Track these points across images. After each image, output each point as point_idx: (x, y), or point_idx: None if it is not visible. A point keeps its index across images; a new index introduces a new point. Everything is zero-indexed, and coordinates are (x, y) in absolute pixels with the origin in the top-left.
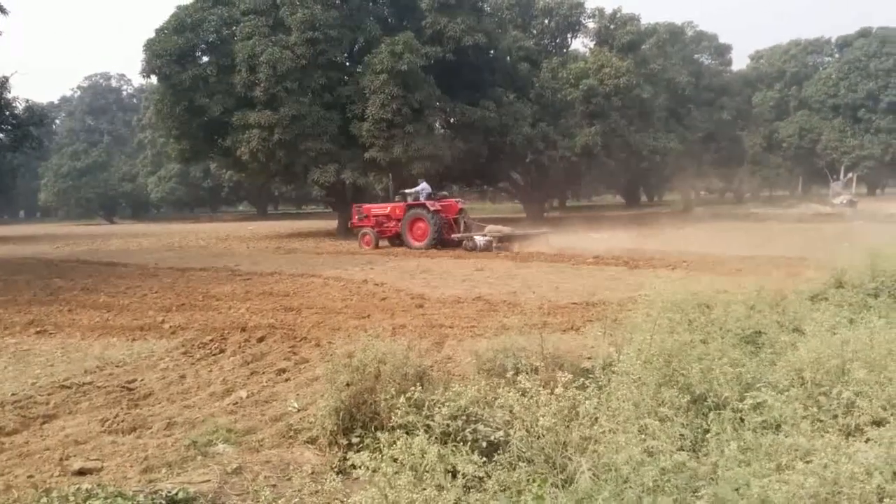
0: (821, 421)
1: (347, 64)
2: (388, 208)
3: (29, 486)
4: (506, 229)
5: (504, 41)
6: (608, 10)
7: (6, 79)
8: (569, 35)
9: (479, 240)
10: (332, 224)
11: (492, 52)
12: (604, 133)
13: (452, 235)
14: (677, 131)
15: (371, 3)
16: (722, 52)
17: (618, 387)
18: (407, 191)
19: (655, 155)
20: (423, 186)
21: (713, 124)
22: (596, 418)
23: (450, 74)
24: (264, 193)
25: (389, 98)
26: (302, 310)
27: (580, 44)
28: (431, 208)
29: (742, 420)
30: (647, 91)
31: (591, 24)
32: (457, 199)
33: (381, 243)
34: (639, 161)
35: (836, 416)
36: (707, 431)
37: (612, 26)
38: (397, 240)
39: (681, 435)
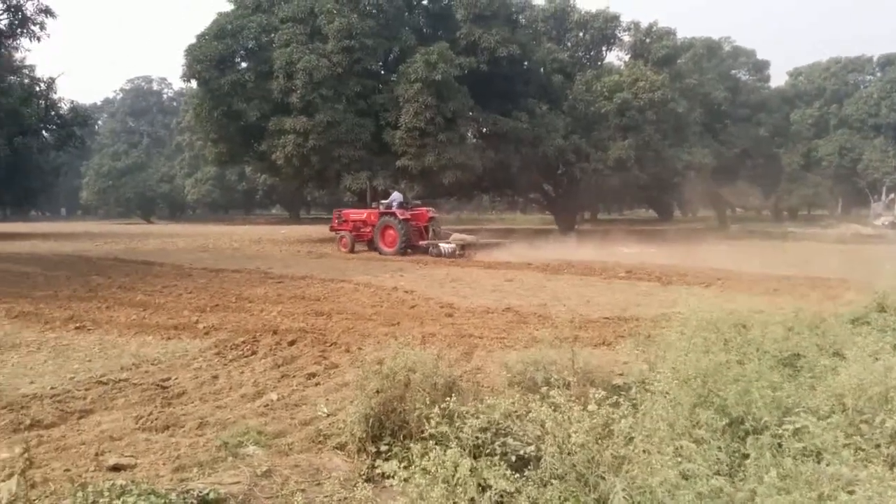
0: (863, 450)
1: (382, 72)
2: (365, 214)
3: (65, 479)
4: (469, 238)
5: (538, 53)
6: (644, 24)
7: (52, 80)
8: (603, 48)
9: (444, 247)
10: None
11: (525, 63)
12: (637, 146)
13: (420, 242)
14: (712, 147)
15: (407, 13)
16: (760, 68)
17: (652, 406)
18: (382, 201)
19: (690, 170)
20: (395, 196)
21: (750, 140)
22: (631, 438)
23: (483, 85)
24: (297, 198)
25: (423, 107)
26: (332, 315)
27: (615, 57)
28: (401, 217)
29: (781, 446)
30: (683, 105)
31: (626, 38)
32: (428, 209)
33: (357, 248)
34: (673, 175)
35: (878, 446)
36: (744, 456)
37: (647, 40)
38: (373, 244)
39: (717, 459)
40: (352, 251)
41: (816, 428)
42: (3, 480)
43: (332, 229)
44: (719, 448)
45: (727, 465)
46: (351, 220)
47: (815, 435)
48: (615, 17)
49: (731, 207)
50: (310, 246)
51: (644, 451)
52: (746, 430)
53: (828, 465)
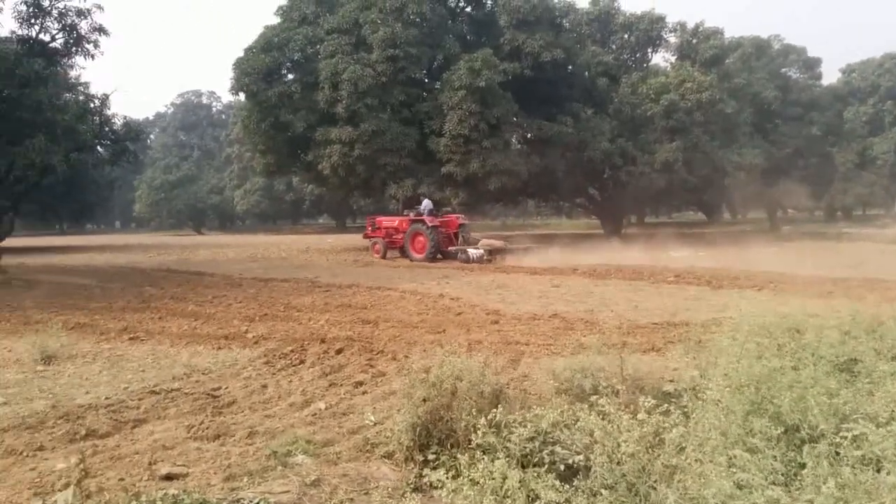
0: None
1: (426, 80)
2: (397, 221)
3: (119, 488)
4: (497, 243)
5: (583, 56)
6: (690, 25)
7: (106, 96)
8: (649, 50)
9: (472, 252)
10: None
11: (570, 67)
12: (685, 148)
13: (449, 248)
14: (763, 147)
15: (450, 21)
16: (811, 65)
17: (704, 414)
18: (416, 207)
19: (740, 171)
20: (426, 204)
21: (802, 140)
22: (682, 447)
23: (527, 90)
24: (344, 207)
25: (467, 114)
26: (379, 323)
27: (661, 58)
28: (430, 223)
29: (838, 454)
30: (731, 106)
31: (672, 39)
32: (458, 216)
33: (389, 254)
34: (722, 177)
35: None
36: (800, 465)
37: (694, 40)
38: (404, 251)
39: (772, 468)
40: (384, 257)
41: (875, 436)
42: (60, 490)
43: (365, 236)
44: (774, 457)
45: (783, 475)
46: (383, 228)
47: (874, 443)
48: (661, 19)
49: (783, 208)
50: (356, 254)
51: (696, 461)
52: (802, 439)
53: (888, 474)
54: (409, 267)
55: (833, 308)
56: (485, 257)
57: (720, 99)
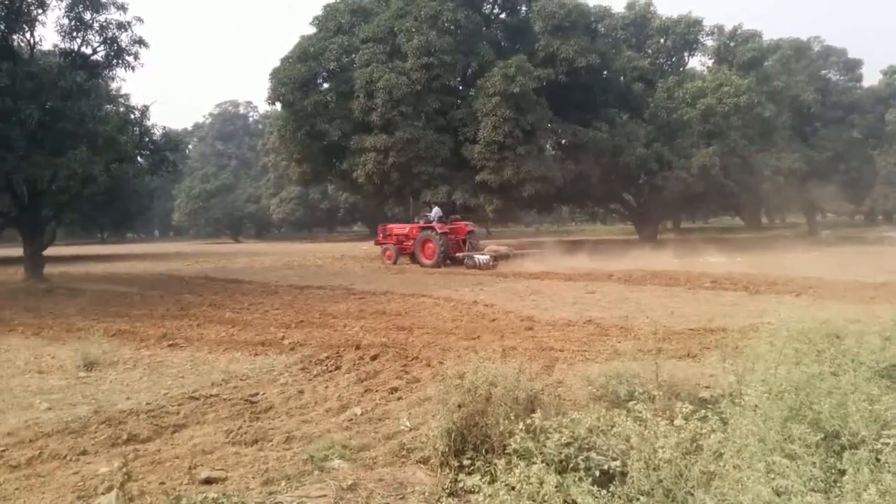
0: None
1: (460, 88)
2: (407, 229)
3: (160, 492)
4: (503, 249)
5: (618, 61)
6: (728, 28)
7: (146, 107)
8: (685, 54)
9: (478, 258)
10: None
11: (605, 72)
12: (722, 153)
13: (457, 254)
14: (802, 151)
15: (485, 28)
16: (851, 67)
17: (741, 420)
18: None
19: (778, 175)
20: (436, 211)
21: (842, 143)
22: (720, 453)
23: (562, 96)
24: (378, 214)
25: (501, 120)
26: (413, 329)
27: (697, 62)
28: (439, 230)
29: (879, 461)
30: (770, 109)
31: (709, 42)
32: (466, 224)
33: (400, 260)
34: (759, 182)
35: None
36: (840, 472)
37: (732, 43)
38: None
39: (812, 475)
40: (395, 263)
41: None
42: (103, 493)
43: (377, 243)
44: (814, 463)
45: (822, 482)
46: (394, 235)
47: None
48: (697, 22)
49: (822, 213)
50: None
51: (735, 467)
52: (842, 445)
53: None
54: (443, 274)
55: (874, 313)
56: (490, 263)
57: (758, 102)
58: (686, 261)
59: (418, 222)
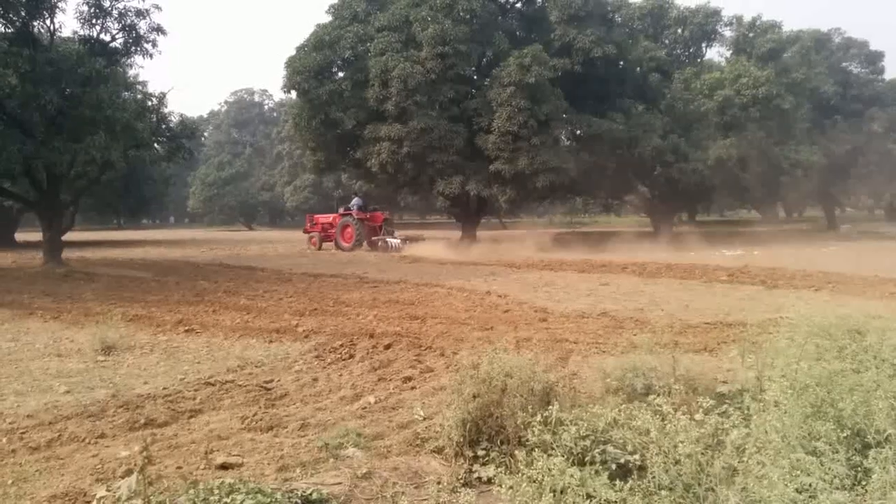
0: None
1: (475, 77)
2: (332, 218)
3: (177, 476)
4: (412, 234)
5: (634, 52)
6: (747, 18)
7: (163, 95)
8: (703, 44)
9: (391, 241)
10: (455, 234)
11: (621, 63)
12: (739, 145)
13: (373, 238)
14: (821, 144)
15: (500, 17)
16: (873, 59)
17: (764, 416)
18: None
19: (797, 168)
20: (356, 201)
21: (862, 136)
22: (743, 449)
23: (577, 86)
24: (391, 203)
25: (516, 111)
26: (426, 319)
27: (715, 53)
28: (357, 217)
29: None
30: (789, 101)
31: (727, 33)
32: (382, 212)
33: (325, 245)
34: (777, 174)
35: None
36: (864, 470)
37: (751, 34)
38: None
39: (836, 472)
40: (320, 248)
41: None
42: (121, 477)
43: (305, 231)
44: (839, 461)
45: (850, 480)
46: (320, 223)
47: None
48: (716, 12)
49: (841, 207)
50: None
51: (758, 464)
52: (867, 443)
53: None
54: (456, 264)
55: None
56: (400, 245)
57: (777, 94)
58: (702, 254)
59: (340, 212)
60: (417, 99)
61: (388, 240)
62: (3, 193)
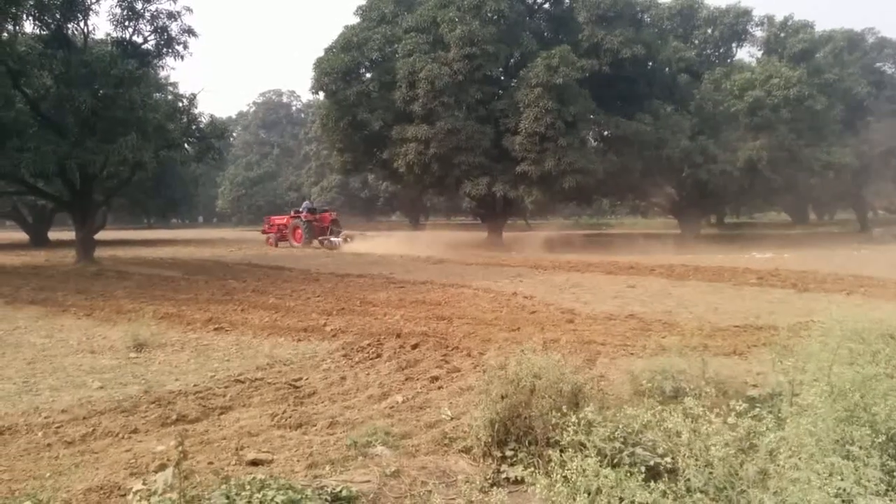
0: None
1: (502, 78)
2: (286, 219)
3: (209, 471)
4: (353, 233)
5: (663, 52)
6: (778, 18)
7: (194, 96)
8: (734, 44)
9: (334, 240)
10: (482, 235)
11: (650, 63)
12: (770, 147)
13: (319, 237)
14: (854, 145)
15: (528, 18)
16: None
17: (797, 419)
18: (298, 209)
19: (829, 170)
20: (306, 204)
21: None
22: (776, 452)
23: (605, 87)
24: (417, 204)
25: (543, 112)
26: (453, 319)
27: (746, 53)
28: (305, 219)
29: None
30: (821, 102)
31: (758, 33)
32: (330, 213)
33: (281, 244)
34: (808, 177)
35: None
36: None
37: (782, 34)
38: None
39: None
40: (276, 246)
41: None
42: (155, 471)
43: (263, 232)
44: (875, 466)
45: (885, 485)
46: (275, 225)
47: None
48: (747, 12)
49: (874, 210)
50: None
51: (793, 467)
52: None
53: None
54: (482, 265)
55: None
56: (340, 243)
57: (809, 95)
58: (730, 256)
59: (291, 214)
60: (444, 100)
61: (330, 238)
62: (37, 193)
